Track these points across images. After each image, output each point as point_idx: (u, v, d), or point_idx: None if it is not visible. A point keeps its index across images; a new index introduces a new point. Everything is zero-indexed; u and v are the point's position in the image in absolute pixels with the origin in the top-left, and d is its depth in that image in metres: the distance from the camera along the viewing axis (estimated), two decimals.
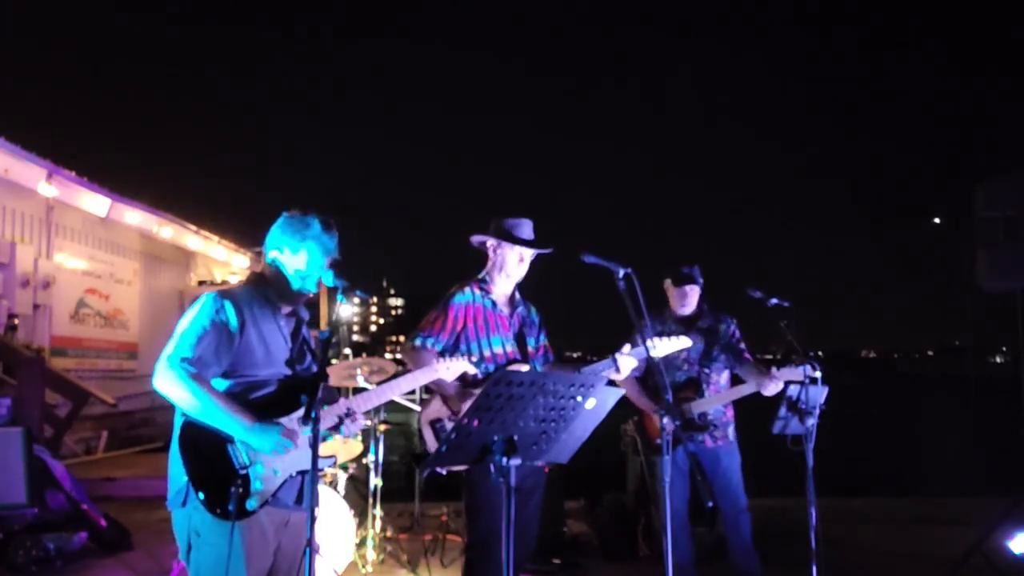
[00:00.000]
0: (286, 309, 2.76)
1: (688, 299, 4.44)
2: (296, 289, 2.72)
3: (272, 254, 2.74)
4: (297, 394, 2.63)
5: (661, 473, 2.86)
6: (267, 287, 2.73)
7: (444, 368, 2.97)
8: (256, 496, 2.49)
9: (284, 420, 2.56)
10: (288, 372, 2.69)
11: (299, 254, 2.70)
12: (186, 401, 2.46)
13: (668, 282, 4.50)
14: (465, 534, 3.47)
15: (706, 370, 4.41)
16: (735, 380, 4.43)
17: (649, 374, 4.50)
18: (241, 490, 2.46)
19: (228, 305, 2.58)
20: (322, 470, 2.68)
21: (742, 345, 4.45)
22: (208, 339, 2.51)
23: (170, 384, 2.46)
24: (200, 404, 2.44)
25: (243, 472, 2.49)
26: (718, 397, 4.35)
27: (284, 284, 2.72)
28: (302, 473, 2.60)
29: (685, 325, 4.45)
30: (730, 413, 4.44)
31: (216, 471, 2.48)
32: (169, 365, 2.46)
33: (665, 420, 2.89)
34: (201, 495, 2.44)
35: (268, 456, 2.51)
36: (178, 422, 2.53)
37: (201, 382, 2.46)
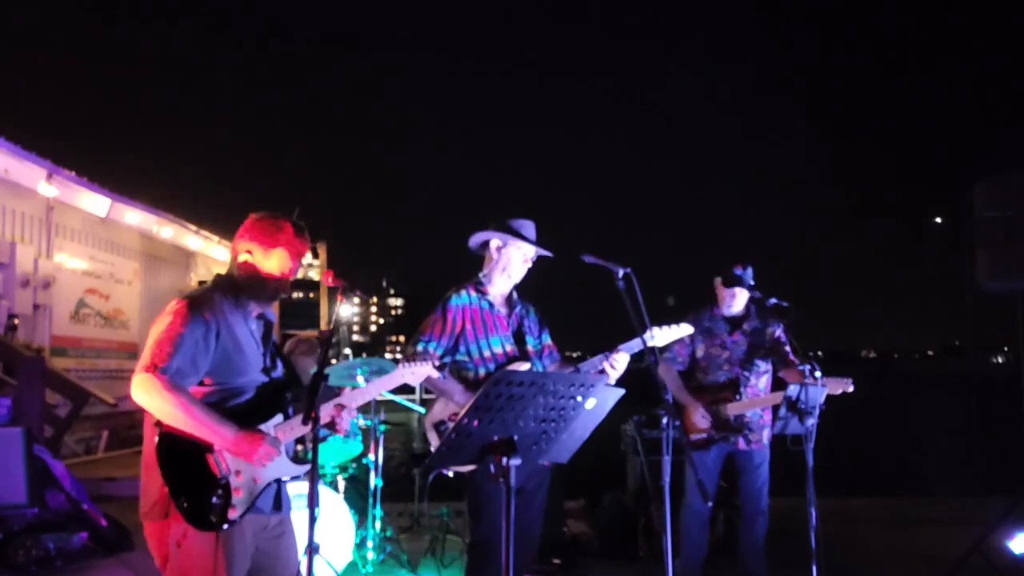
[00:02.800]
0: (255, 312, 2.70)
1: (735, 300, 4.45)
2: (269, 291, 2.66)
3: (243, 255, 2.65)
4: (274, 400, 2.59)
5: (662, 472, 2.86)
6: (238, 290, 2.65)
7: (410, 373, 2.85)
8: (237, 505, 2.45)
9: (263, 428, 2.52)
10: (264, 379, 2.64)
11: (270, 257, 2.63)
12: (167, 412, 2.39)
13: (718, 280, 4.51)
14: (467, 534, 3.47)
15: (746, 373, 4.42)
16: (777, 384, 4.42)
17: (693, 369, 4.55)
18: (222, 500, 2.41)
19: (203, 311, 2.50)
20: (298, 478, 2.62)
21: (787, 349, 4.44)
22: (185, 348, 2.44)
23: (150, 395, 2.39)
24: (182, 415, 2.38)
25: (224, 482, 2.44)
26: (754, 401, 4.35)
27: (257, 286, 2.64)
28: (282, 481, 2.59)
29: (731, 325, 4.48)
30: (767, 416, 4.41)
31: (196, 482, 2.42)
32: (147, 376, 2.39)
33: (664, 419, 2.90)
34: (182, 506, 2.38)
35: (248, 465, 2.46)
36: (152, 433, 2.45)
37: (181, 392, 2.40)
